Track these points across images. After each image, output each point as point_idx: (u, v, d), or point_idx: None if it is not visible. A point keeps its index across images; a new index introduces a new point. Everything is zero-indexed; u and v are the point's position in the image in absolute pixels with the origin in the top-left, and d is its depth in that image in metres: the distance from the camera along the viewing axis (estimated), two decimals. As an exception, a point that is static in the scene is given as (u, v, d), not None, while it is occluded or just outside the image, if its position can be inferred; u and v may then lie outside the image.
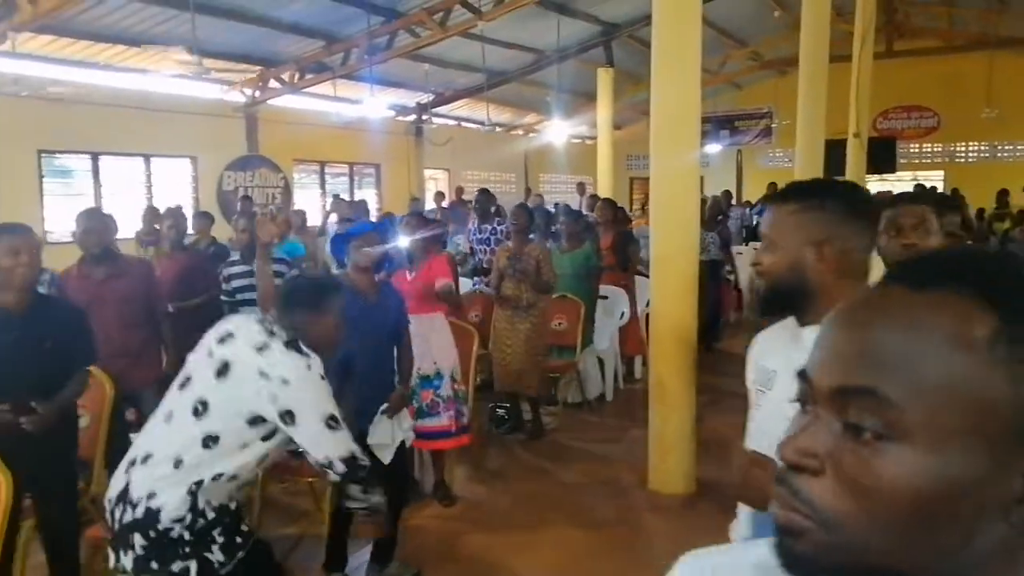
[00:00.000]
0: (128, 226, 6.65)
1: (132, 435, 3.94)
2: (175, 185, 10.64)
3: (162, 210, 7.06)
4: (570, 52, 12.80)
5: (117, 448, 3.47)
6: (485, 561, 3.61)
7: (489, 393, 5.48)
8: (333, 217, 8.99)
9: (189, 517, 2.07)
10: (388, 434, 3.25)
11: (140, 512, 2.06)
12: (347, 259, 3.34)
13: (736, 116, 16.69)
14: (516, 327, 5.10)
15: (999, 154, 16.11)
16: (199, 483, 2.08)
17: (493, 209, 6.53)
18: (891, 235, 2.22)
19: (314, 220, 9.58)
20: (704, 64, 4.38)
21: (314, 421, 2.14)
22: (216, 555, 2.11)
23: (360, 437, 2.74)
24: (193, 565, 2.08)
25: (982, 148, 16.28)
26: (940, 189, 13.00)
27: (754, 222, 11.54)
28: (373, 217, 10.04)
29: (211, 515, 2.11)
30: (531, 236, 5.44)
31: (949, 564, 0.49)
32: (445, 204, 11.88)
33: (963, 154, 16.55)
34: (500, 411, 5.48)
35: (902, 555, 0.49)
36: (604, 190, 12.47)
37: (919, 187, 10.68)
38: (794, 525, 0.51)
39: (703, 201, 6.61)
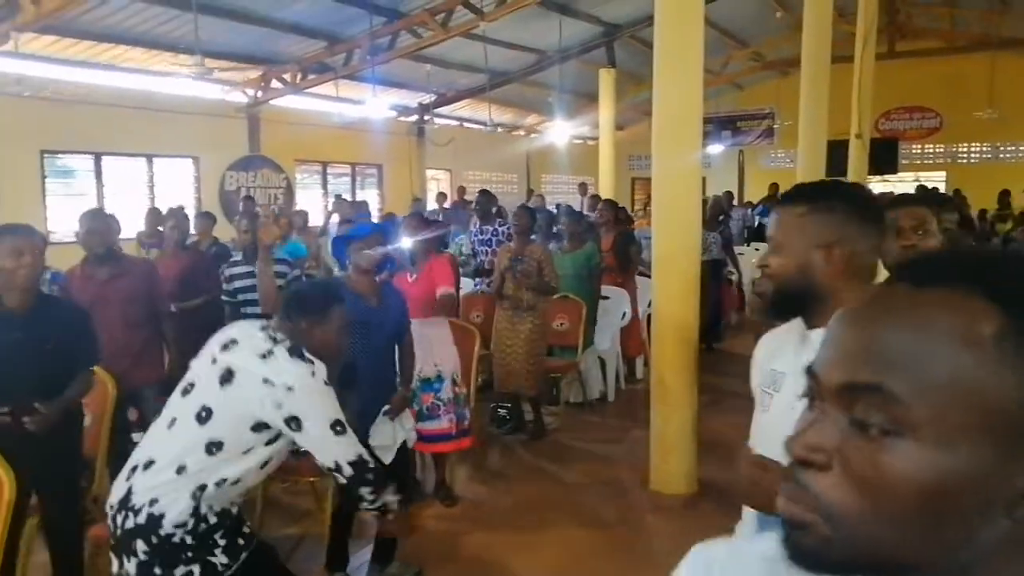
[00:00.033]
0: (130, 226, 6.66)
1: (133, 434, 3.98)
2: (177, 185, 10.65)
3: (164, 211, 7.08)
4: (572, 53, 12.80)
5: (119, 448, 3.49)
6: (486, 561, 3.62)
7: (490, 393, 5.49)
8: (335, 217, 8.99)
9: (191, 522, 2.07)
10: (389, 435, 3.25)
11: (142, 518, 2.06)
12: (348, 261, 3.34)
13: (738, 117, 16.68)
14: (517, 328, 5.11)
15: (1001, 155, 16.09)
16: (202, 488, 2.08)
17: (494, 210, 6.53)
18: (891, 237, 2.22)
19: (316, 220, 9.60)
20: (706, 65, 4.38)
21: (320, 427, 2.16)
22: (219, 558, 2.11)
23: (363, 439, 2.75)
24: (197, 569, 2.08)
25: (984, 149, 16.26)
26: (942, 190, 12.98)
27: (755, 222, 11.56)
28: (375, 217, 10.04)
29: (213, 519, 2.12)
30: (533, 237, 5.44)
31: (954, 558, 0.50)
32: (447, 205, 11.89)
33: (965, 155, 16.53)
34: (501, 411, 5.49)
35: (907, 549, 0.50)
36: (606, 191, 12.47)
37: (921, 188, 10.67)
38: (801, 519, 0.52)
39: (704, 201, 6.60)
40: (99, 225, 3.80)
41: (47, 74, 8.84)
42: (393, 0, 9.74)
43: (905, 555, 0.50)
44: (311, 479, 3.61)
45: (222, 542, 2.13)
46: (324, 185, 13.20)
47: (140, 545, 2.06)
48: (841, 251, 1.38)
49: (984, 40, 13.50)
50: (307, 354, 2.19)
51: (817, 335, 1.37)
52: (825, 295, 1.38)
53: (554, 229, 7.04)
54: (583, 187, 14.01)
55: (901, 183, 14.22)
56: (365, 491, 2.29)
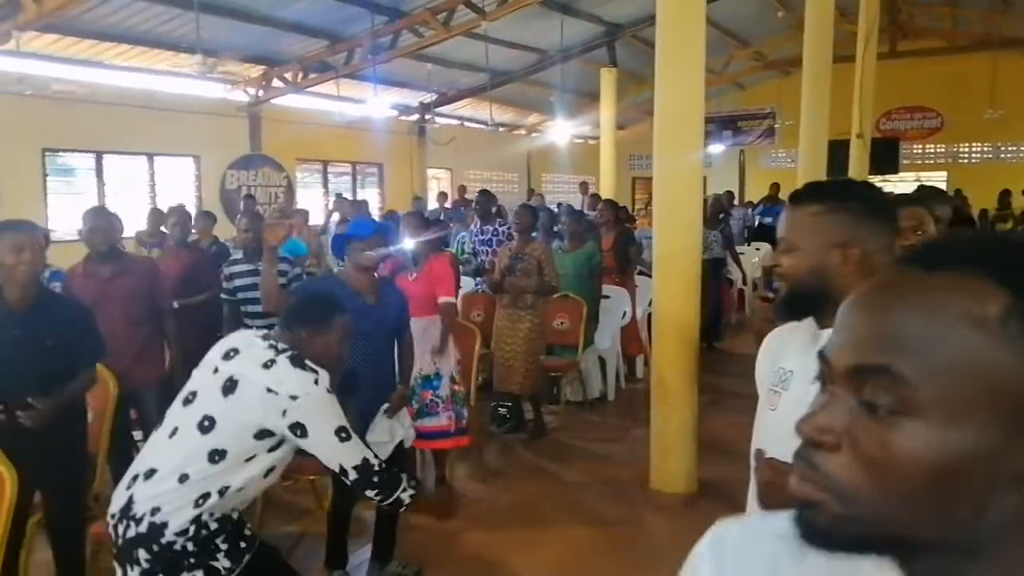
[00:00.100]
0: (131, 225, 6.66)
1: (134, 432, 3.98)
2: (178, 184, 10.65)
3: (165, 211, 7.08)
4: (573, 52, 12.80)
5: (120, 446, 3.50)
6: (486, 560, 3.62)
7: (491, 392, 5.49)
8: (335, 216, 9.00)
9: (192, 529, 2.08)
10: (387, 432, 3.25)
11: (144, 527, 2.07)
12: (347, 259, 3.33)
13: (739, 116, 16.67)
14: (517, 327, 5.11)
15: (1002, 155, 16.08)
16: (205, 497, 2.09)
17: (494, 210, 6.53)
18: None
19: (317, 219, 9.61)
20: (708, 64, 4.38)
21: (325, 435, 2.18)
22: (222, 562, 2.12)
23: (361, 437, 2.76)
24: (200, 575, 2.09)
25: (985, 149, 16.25)
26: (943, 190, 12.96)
27: (756, 222, 11.56)
28: (375, 217, 10.04)
29: (214, 526, 2.12)
30: (534, 235, 5.45)
31: (963, 536, 0.51)
32: (448, 204, 11.89)
33: (966, 155, 16.53)
34: (502, 410, 5.49)
35: (916, 527, 0.51)
36: (607, 190, 12.47)
37: (921, 187, 10.67)
38: (812, 498, 0.53)
39: (704, 200, 6.60)
40: (102, 223, 3.81)
41: (49, 73, 8.84)
42: (394, 0, 9.75)
43: (915, 533, 0.51)
44: (311, 477, 3.62)
45: (224, 546, 2.13)
46: (325, 184, 13.20)
47: (142, 554, 2.07)
48: (856, 250, 1.37)
49: (986, 40, 13.48)
50: (309, 363, 2.20)
51: (828, 334, 1.36)
52: (839, 295, 1.37)
53: (555, 228, 7.05)
54: (584, 186, 14.02)
55: (902, 183, 14.20)
56: (371, 493, 2.31)
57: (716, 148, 16.38)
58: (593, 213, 8.19)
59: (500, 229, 6.03)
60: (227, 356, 2.21)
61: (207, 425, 2.12)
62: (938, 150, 16.75)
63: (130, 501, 2.11)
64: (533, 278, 5.04)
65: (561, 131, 15.14)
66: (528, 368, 5.11)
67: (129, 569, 2.10)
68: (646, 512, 4.18)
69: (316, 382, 2.17)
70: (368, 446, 2.42)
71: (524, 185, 16.92)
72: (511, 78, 13.52)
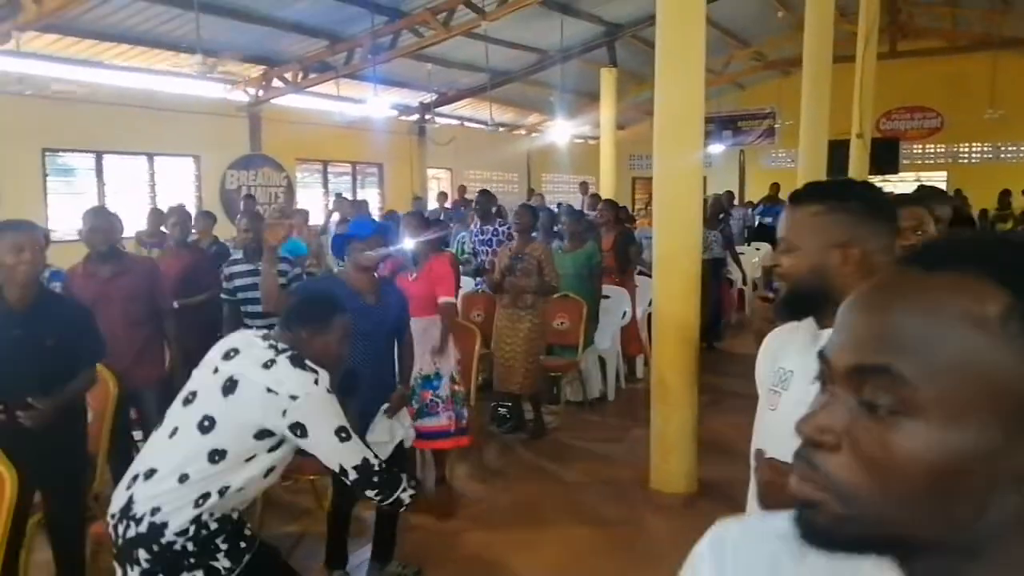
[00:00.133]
0: (131, 225, 6.66)
1: (134, 432, 3.98)
2: (178, 184, 10.65)
3: (165, 211, 7.08)
4: (573, 52, 12.80)
5: (120, 446, 3.50)
6: (486, 560, 3.62)
7: (491, 392, 5.49)
8: (335, 216, 9.01)
9: (192, 529, 2.08)
10: (387, 432, 3.25)
11: (144, 527, 2.07)
12: (347, 259, 3.33)
13: (739, 116, 16.68)
14: (516, 326, 5.11)
15: (1002, 155, 16.08)
16: (205, 497, 2.09)
17: (494, 210, 6.54)
18: None
19: (316, 220, 9.61)
20: (708, 64, 4.38)
21: (325, 435, 2.19)
22: (222, 562, 2.12)
23: (361, 437, 2.76)
24: (200, 575, 2.09)
25: (985, 149, 16.25)
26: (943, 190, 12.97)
27: (756, 222, 11.57)
28: (375, 216, 10.04)
29: (214, 526, 2.13)
30: (534, 235, 5.45)
31: (963, 536, 0.51)
32: (448, 205, 11.89)
33: (966, 155, 16.53)
34: (502, 410, 5.49)
35: (917, 527, 0.51)
36: (606, 190, 12.48)
37: (921, 187, 10.67)
38: (812, 497, 0.53)
39: (704, 200, 6.60)
40: (102, 223, 3.81)
41: (49, 73, 8.84)
42: (395, 0, 9.75)
43: (915, 533, 0.51)
44: (311, 477, 3.62)
45: (224, 546, 2.13)
46: (325, 184, 13.20)
47: (142, 554, 2.07)
48: (856, 250, 1.36)
49: (986, 40, 13.49)
50: (309, 363, 2.20)
51: (828, 334, 1.36)
52: (839, 295, 1.37)
53: (555, 228, 7.05)
54: (584, 186, 14.02)
55: (902, 183, 14.20)
56: (371, 493, 2.31)
57: (716, 148, 16.39)
58: (593, 213, 8.19)
59: (500, 229, 6.03)
60: (227, 356, 2.21)
61: (207, 425, 2.12)
62: (938, 150, 16.75)
63: (130, 501, 2.11)
64: (533, 278, 5.04)
65: (561, 131, 15.15)
66: (528, 368, 5.11)
67: (129, 569, 2.10)
68: (646, 512, 4.18)
69: (316, 382, 2.17)
70: (368, 446, 2.42)
71: (524, 185, 16.92)
72: (511, 78, 13.52)
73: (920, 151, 16.74)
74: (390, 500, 2.35)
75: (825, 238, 1.39)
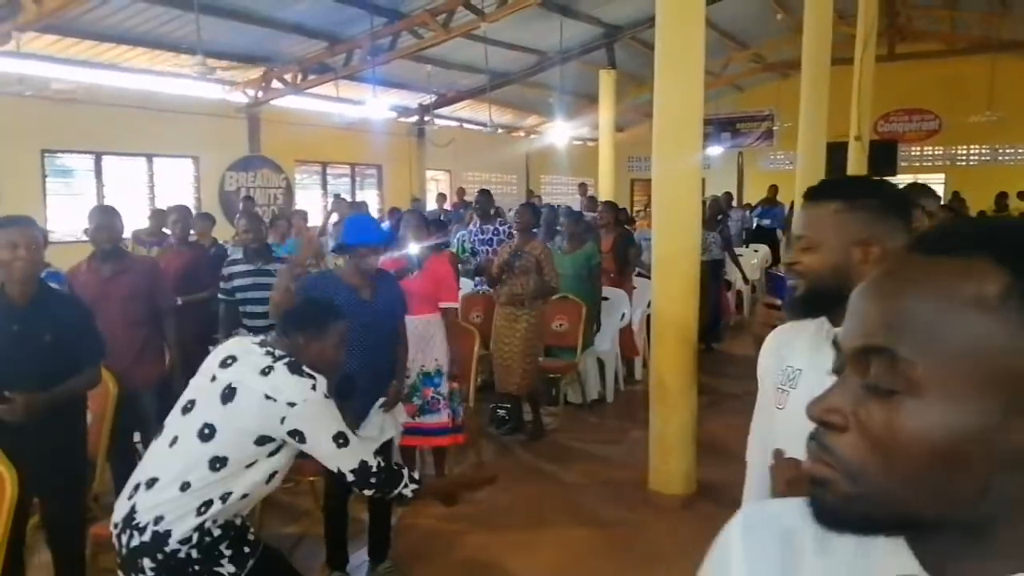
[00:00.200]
0: (130, 226, 6.65)
1: (134, 433, 3.98)
2: (177, 185, 10.65)
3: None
4: (572, 54, 12.81)
5: (120, 447, 3.50)
6: (485, 561, 3.63)
7: (490, 393, 5.50)
8: (334, 217, 9.00)
9: (196, 536, 2.09)
10: (377, 428, 3.26)
11: (147, 536, 2.07)
12: (349, 259, 3.34)
13: (738, 118, 16.70)
14: (514, 326, 5.12)
15: (1000, 157, 16.10)
16: (208, 504, 2.10)
17: (493, 210, 6.54)
18: None
19: (315, 220, 9.60)
20: (706, 66, 4.39)
21: (324, 440, 2.19)
22: (227, 568, 2.13)
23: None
24: None
25: (983, 151, 16.27)
26: (940, 192, 13.00)
27: (754, 224, 11.58)
28: (375, 216, 10.04)
29: (217, 532, 2.13)
30: (534, 232, 5.46)
31: (966, 514, 0.52)
32: (447, 206, 11.89)
33: (964, 157, 16.55)
34: (501, 411, 5.49)
35: (921, 505, 0.52)
36: (605, 192, 12.49)
37: (908, 185, 10.70)
38: (823, 476, 0.55)
39: (703, 202, 6.61)
40: (107, 221, 3.80)
41: (48, 73, 8.84)
42: (394, 1, 9.75)
43: (919, 511, 0.52)
44: (311, 478, 3.62)
45: (228, 552, 2.14)
46: (324, 185, 13.20)
47: (146, 563, 2.07)
48: (876, 248, 1.35)
49: (984, 43, 13.52)
50: (306, 369, 2.21)
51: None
52: None
53: (556, 227, 7.05)
54: (583, 188, 14.02)
55: (900, 185, 14.22)
56: (370, 493, 2.32)
57: (715, 150, 16.41)
58: (591, 214, 8.19)
59: (500, 229, 6.04)
60: (224, 364, 2.22)
61: (207, 433, 2.13)
62: (936, 152, 16.78)
63: (132, 510, 2.11)
64: (531, 276, 5.04)
65: (560, 133, 15.16)
66: (525, 368, 5.11)
67: None
68: (645, 513, 4.18)
69: (314, 388, 2.18)
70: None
71: (523, 187, 16.92)
72: (510, 80, 13.53)
73: (918, 153, 16.76)
74: (393, 496, 2.36)
75: (846, 235, 1.37)
